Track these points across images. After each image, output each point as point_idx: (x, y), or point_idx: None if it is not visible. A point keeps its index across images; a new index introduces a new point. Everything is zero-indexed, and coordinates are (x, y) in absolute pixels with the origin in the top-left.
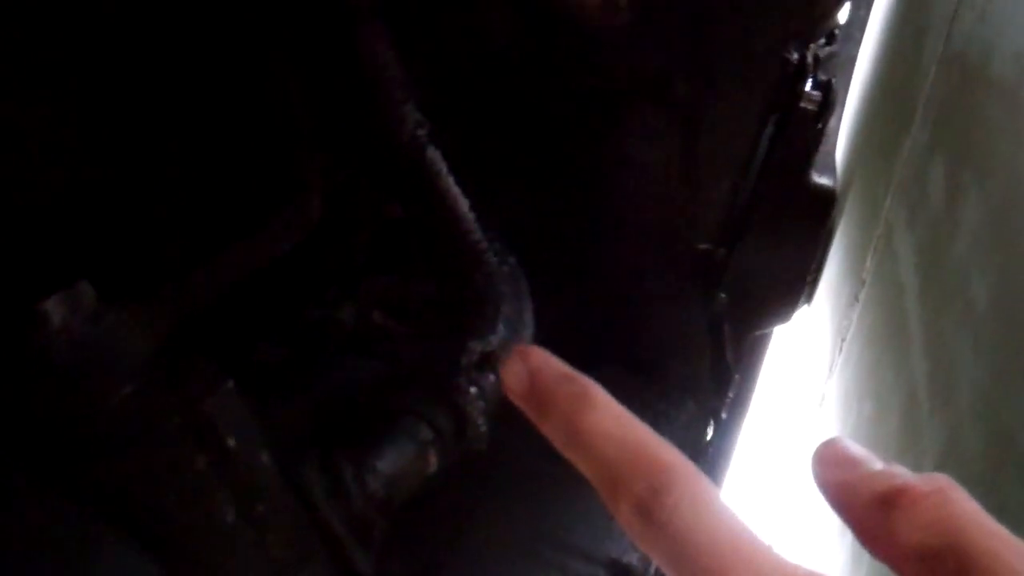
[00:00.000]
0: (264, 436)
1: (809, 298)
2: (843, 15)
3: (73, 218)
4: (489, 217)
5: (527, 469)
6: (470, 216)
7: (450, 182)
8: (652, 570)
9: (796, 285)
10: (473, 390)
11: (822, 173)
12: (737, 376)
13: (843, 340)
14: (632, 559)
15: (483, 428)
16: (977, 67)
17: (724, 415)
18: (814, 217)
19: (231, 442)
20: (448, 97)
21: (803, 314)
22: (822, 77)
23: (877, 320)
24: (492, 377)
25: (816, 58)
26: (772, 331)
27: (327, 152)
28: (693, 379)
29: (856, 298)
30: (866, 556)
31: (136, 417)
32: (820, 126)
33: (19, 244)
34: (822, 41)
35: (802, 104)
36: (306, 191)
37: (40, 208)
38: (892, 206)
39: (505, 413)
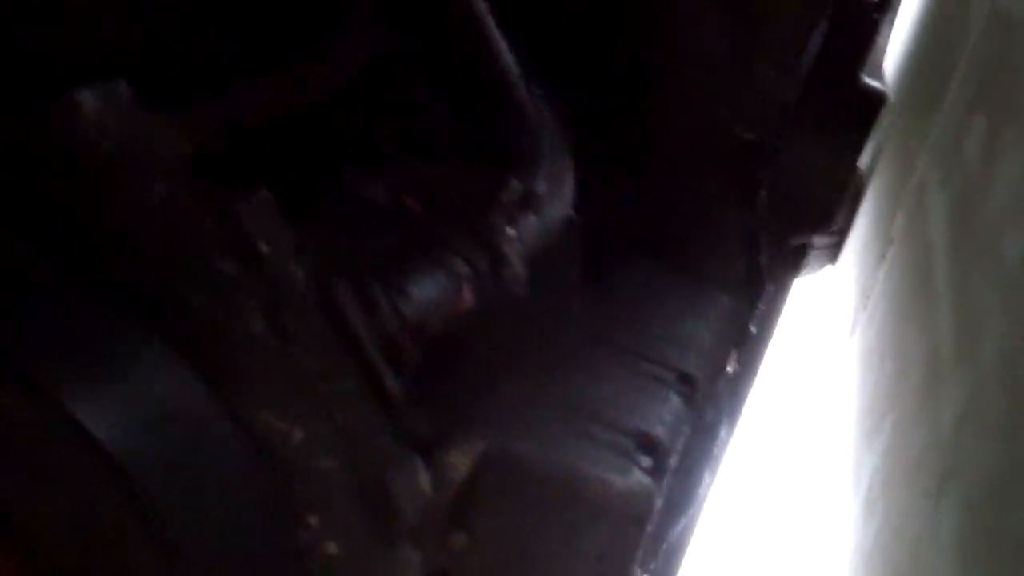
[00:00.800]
0: (297, 249)
1: (835, 257)
2: None
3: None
4: (534, 76)
5: (549, 337)
6: (516, 70)
7: (497, 35)
8: (679, 444)
9: (837, 190)
10: (512, 231)
11: (872, 77)
12: (771, 287)
13: (868, 298)
14: (659, 432)
15: (521, 271)
16: (1022, 25)
17: (754, 329)
18: (863, 120)
19: (263, 248)
20: None
21: (828, 272)
22: None
23: (904, 278)
24: (533, 218)
25: None
26: (804, 251)
27: (376, 5)
28: (726, 280)
29: (883, 256)
30: (879, 507)
31: (168, 215)
32: (876, 18)
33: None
34: None
35: None
36: (353, 30)
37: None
38: (926, 164)
39: (542, 269)
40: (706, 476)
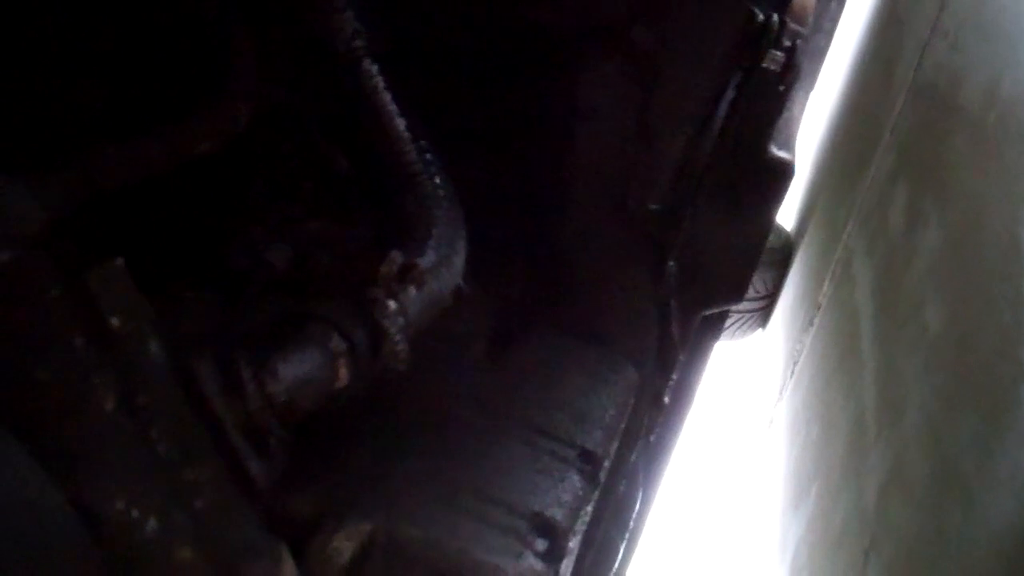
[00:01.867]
0: (155, 323)
1: (764, 322)
2: (811, 2)
3: None
4: (429, 143)
5: (450, 414)
6: (406, 136)
7: (387, 98)
8: (579, 525)
9: (748, 261)
10: (392, 304)
11: (781, 148)
12: (682, 357)
13: (795, 364)
14: (556, 514)
15: (401, 346)
16: (946, 96)
17: (667, 399)
18: (770, 190)
19: (115, 322)
20: (395, 18)
21: (757, 338)
22: (787, 42)
23: (830, 344)
24: (414, 292)
25: (783, 22)
26: (721, 320)
27: (262, 63)
28: (637, 351)
29: (811, 322)
30: (805, 575)
31: (12, 285)
32: (782, 90)
33: None
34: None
35: (765, 65)
36: (232, 97)
37: None
38: (853, 232)
39: (432, 351)
40: (622, 549)
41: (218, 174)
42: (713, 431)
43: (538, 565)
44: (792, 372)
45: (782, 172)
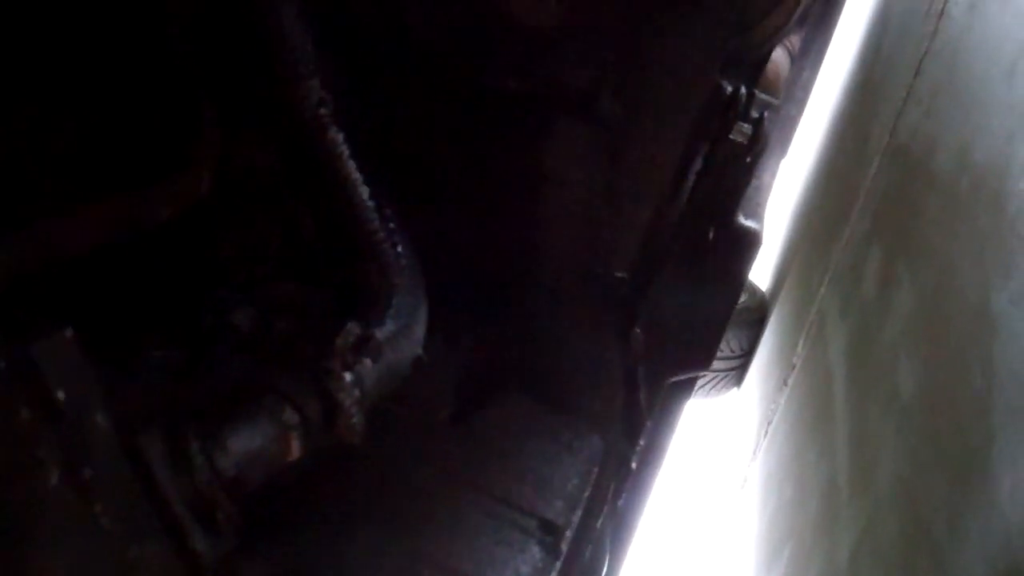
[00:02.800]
0: (102, 396)
1: (739, 381)
2: (784, 71)
3: None
4: (394, 211)
5: (412, 480)
6: (369, 204)
7: (351, 167)
8: None
9: (715, 328)
10: (348, 376)
11: (749, 217)
12: (650, 423)
13: (769, 423)
14: None
15: (356, 419)
16: (919, 160)
17: (634, 464)
18: (738, 258)
19: (60, 395)
20: (362, 86)
21: (732, 397)
22: (755, 114)
23: (804, 405)
24: (370, 364)
25: (751, 93)
26: (691, 384)
27: (225, 128)
28: (603, 417)
29: (785, 382)
30: None
31: None
32: (750, 161)
33: None
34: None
35: (732, 136)
36: (194, 162)
37: None
38: (827, 293)
39: (394, 415)
40: None
41: (187, 234)
42: (686, 490)
43: None
44: (766, 432)
45: (750, 241)
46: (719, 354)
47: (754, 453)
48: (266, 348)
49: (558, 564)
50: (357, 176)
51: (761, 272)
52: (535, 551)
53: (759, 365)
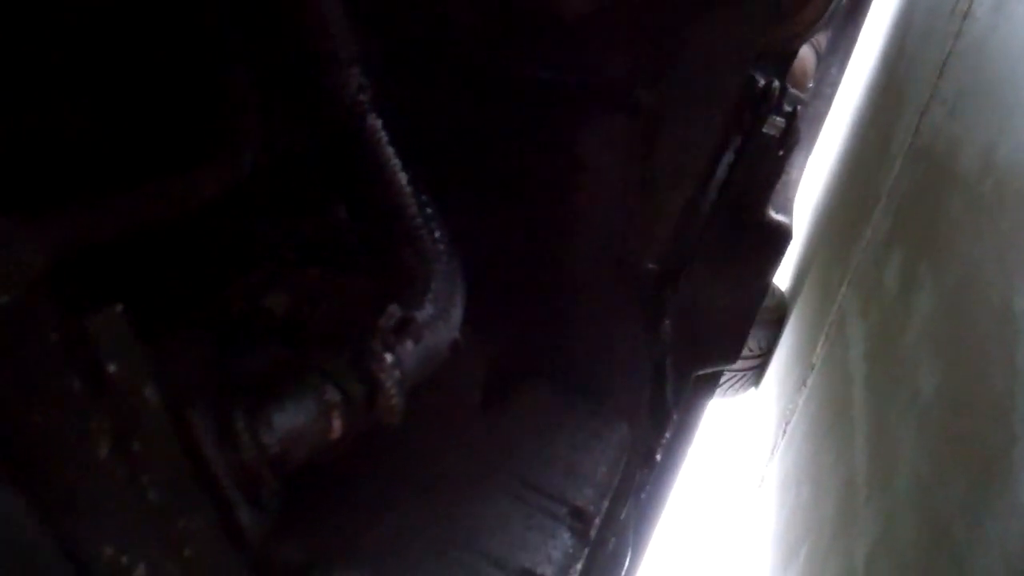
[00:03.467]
0: (151, 370)
1: (758, 381)
2: (811, 68)
3: None
4: (430, 197)
5: (443, 465)
6: (407, 190)
7: (389, 152)
8: None
9: (743, 322)
10: (389, 357)
11: (779, 211)
12: (676, 416)
13: (787, 424)
14: (545, 571)
15: (396, 399)
16: (943, 161)
17: (659, 457)
18: (767, 252)
19: (112, 368)
20: (401, 71)
21: (750, 396)
22: (787, 108)
23: (823, 405)
24: (411, 346)
25: (783, 87)
26: (715, 379)
27: (266, 112)
28: (630, 408)
29: (804, 383)
30: None
31: (11, 328)
32: (781, 154)
33: None
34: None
35: (765, 129)
36: (234, 145)
37: None
38: (847, 293)
39: (426, 401)
40: None
41: (221, 218)
42: (704, 488)
43: None
44: (784, 432)
45: (779, 235)
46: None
47: (772, 453)
48: (301, 333)
49: (586, 551)
50: (396, 162)
51: (781, 272)
52: (566, 537)
53: (778, 365)
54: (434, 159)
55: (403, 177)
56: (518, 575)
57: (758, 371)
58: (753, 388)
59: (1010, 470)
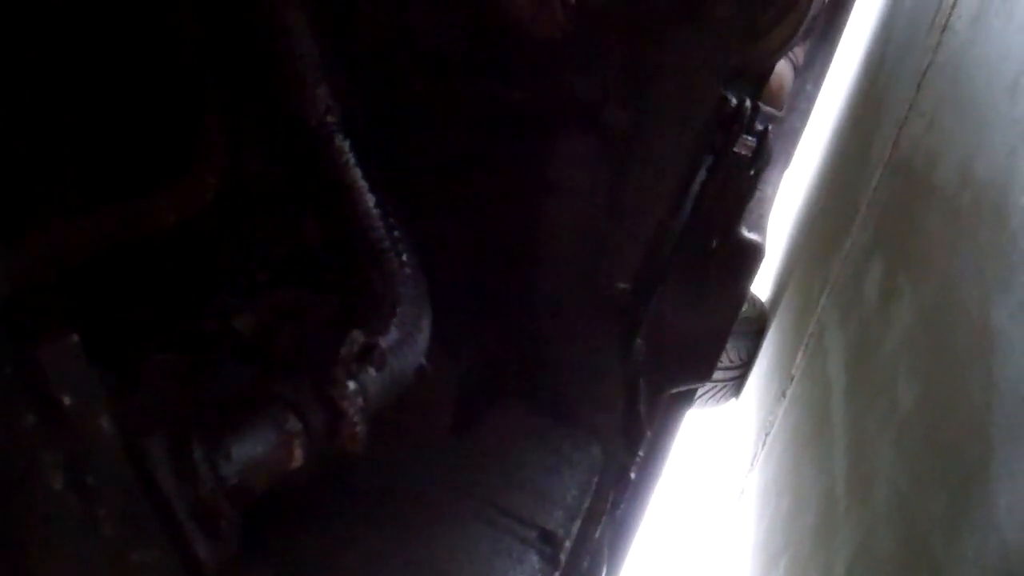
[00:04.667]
0: (107, 402)
1: (738, 391)
2: (788, 82)
3: None
4: (399, 219)
5: (411, 489)
6: (374, 212)
7: (356, 174)
8: None
9: (716, 341)
10: (352, 385)
11: (752, 229)
12: (649, 434)
13: (767, 435)
14: None
15: (359, 427)
16: (921, 174)
17: (633, 475)
18: (740, 271)
19: (65, 400)
20: (371, 92)
21: (730, 407)
22: (759, 127)
23: (802, 416)
24: (374, 373)
25: (755, 106)
26: (690, 395)
27: (232, 134)
28: (603, 428)
29: (783, 394)
30: None
31: None
32: (753, 174)
33: None
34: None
35: (736, 149)
36: (199, 168)
37: None
38: (827, 304)
39: (387, 424)
40: None
41: (191, 238)
42: (683, 500)
43: None
44: (764, 443)
45: (752, 253)
46: (718, 364)
47: (752, 464)
48: (268, 354)
49: (556, 574)
50: (363, 184)
51: (761, 282)
52: (534, 561)
53: (758, 376)
54: (404, 181)
55: (370, 199)
56: None
57: (738, 382)
58: (733, 399)
59: (988, 482)
